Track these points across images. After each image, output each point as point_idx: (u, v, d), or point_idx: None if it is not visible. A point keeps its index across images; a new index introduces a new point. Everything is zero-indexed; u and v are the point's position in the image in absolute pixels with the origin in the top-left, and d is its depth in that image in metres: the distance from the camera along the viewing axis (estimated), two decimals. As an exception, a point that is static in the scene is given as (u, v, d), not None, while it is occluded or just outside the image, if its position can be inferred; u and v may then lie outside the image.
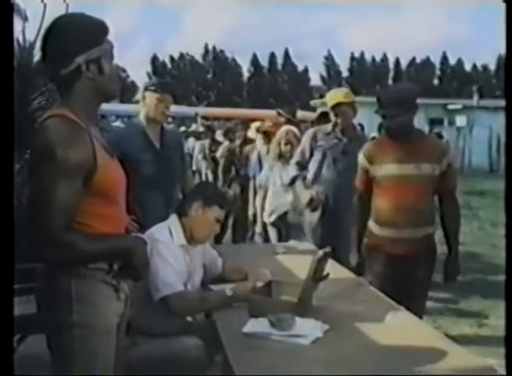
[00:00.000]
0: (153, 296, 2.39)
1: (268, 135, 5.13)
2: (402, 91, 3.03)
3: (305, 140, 4.13)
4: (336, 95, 3.97)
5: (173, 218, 2.63)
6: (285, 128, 4.76)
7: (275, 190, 4.65)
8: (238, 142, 6.51)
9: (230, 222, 6.09)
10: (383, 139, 3.17)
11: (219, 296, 2.52)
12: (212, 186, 2.94)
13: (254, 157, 5.36)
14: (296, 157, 4.17)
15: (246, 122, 7.04)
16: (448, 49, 75.16)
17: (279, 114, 5.41)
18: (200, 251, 2.73)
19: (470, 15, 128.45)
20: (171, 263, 2.43)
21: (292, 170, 4.19)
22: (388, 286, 2.83)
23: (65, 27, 1.73)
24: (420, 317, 2.69)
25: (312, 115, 6.89)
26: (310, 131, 4.17)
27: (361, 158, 3.12)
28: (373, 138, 13.33)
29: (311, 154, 4.04)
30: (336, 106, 3.90)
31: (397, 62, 65.14)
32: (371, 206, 3.10)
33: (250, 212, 5.28)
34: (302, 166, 4.10)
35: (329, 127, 4.01)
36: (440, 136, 15.05)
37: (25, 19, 4.48)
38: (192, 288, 2.63)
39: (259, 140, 5.53)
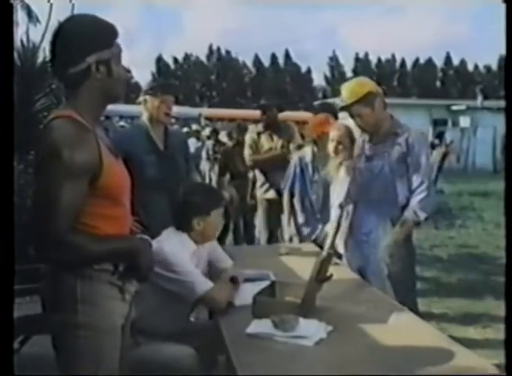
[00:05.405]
0: (187, 300, 2.44)
1: (322, 141, 3.78)
2: None
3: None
4: (343, 95, 3.15)
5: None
6: None
7: None
8: (232, 143, 6.20)
9: (231, 225, 5.99)
10: None
11: None
12: (200, 194, 2.60)
13: (294, 167, 4.04)
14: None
15: (245, 123, 6.86)
16: (450, 50, 75.04)
17: (262, 110, 4.77)
18: (205, 249, 2.72)
19: (471, 16, 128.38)
20: (190, 266, 2.46)
21: (334, 211, 3.34)
22: None
23: (77, 27, 1.74)
24: None
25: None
26: None
27: None
28: (432, 144, 13.48)
29: None
30: (346, 109, 3.18)
31: (401, 63, 65.00)
32: None
33: (287, 236, 4.17)
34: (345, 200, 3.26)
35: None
36: (441, 137, 14.94)
37: (36, 20, 4.53)
38: None
39: (308, 150, 4.07)
